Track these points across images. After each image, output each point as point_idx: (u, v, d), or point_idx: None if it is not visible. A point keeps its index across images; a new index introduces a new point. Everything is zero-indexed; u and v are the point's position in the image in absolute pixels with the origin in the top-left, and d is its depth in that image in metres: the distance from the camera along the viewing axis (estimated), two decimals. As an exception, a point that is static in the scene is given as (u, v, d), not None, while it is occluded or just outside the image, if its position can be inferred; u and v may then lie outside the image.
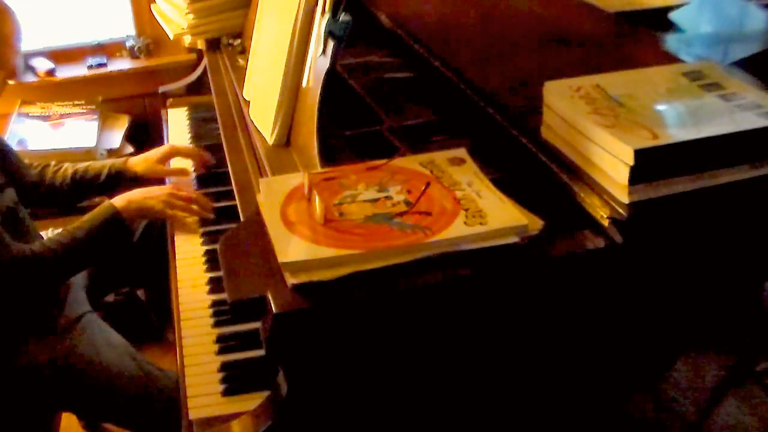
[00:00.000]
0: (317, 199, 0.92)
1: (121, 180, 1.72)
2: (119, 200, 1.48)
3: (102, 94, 2.59)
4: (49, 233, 1.74)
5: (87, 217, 1.47)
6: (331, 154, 1.13)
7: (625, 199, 0.88)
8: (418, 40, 1.42)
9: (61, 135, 2.40)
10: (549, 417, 1.06)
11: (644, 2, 1.66)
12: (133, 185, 1.71)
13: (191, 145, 1.83)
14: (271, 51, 1.38)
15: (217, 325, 1.26)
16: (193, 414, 1.08)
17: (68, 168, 1.72)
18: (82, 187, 1.72)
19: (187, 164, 1.77)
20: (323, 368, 0.89)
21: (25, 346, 1.44)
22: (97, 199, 1.97)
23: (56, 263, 1.41)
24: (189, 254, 1.46)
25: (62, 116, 2.49)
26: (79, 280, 1.63)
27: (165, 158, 1.72)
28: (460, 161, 1.02)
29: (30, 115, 2.48)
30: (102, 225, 1.44)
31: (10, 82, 1.62)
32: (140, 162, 1.71)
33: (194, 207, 1.51)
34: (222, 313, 1.28)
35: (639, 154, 0.85)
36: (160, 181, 1.71)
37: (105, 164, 1.73)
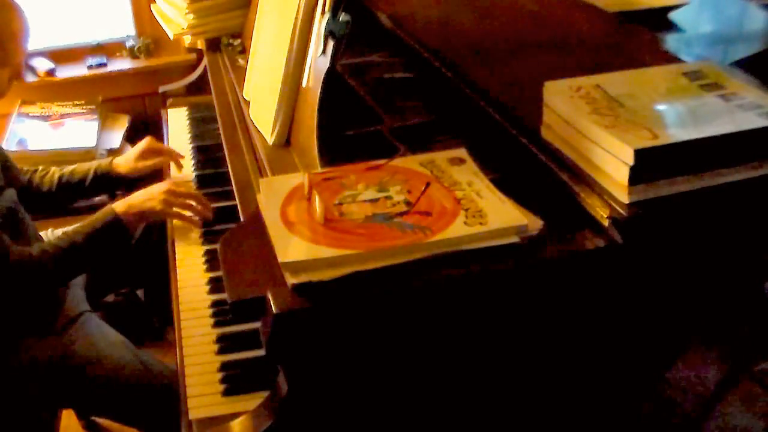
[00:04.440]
0: (317, 199, 0.92)
1: (108, 181, 1.72)
2: (120, 205, 1.46)
3: (102, 94, 2.59)
4: (48, 233, 1.74)
5: (87, 221, 1.46)
6: (331, 154, 1.13)
7: (625, 199, 0.88)
8: (418, 40, 1.42)
9: (61, 135, 2.40)
10: (549, 417, 1.06)
11: (644, 2, 1.66)
12: (127, 185, 1.71)
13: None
14: (271, 51, 1.38)
15: (217, 325, 1.26)
16: (193, 414, 1.08)
17: (55, 172, 1.72)
18: (69, 190, 1.71)
19: (187, 169, 1.77)
20: (323, 368, 0.89)
21: (23, 344, 1.44)
22: (97, 199, 1.99)
23: (54, 267, 1.41)
24: (189, 254, 1.46)
25: (62, 116, 2.49)
26: (79, 279, 1.63)
27: (144, 155, 1.70)
28: (460, 161, 1.02)
29: (30, 115, 2.49)
30: (102, 230, 1.43)
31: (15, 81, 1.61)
32: (123, 163, 1.71)
33: (193, 203, 1.49)
34: (222, 313, 1.28)
35: (639, 154, 0.85)
36: (155, 179, 1.71)
37: (91, 166, 1.72)
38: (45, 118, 2.48)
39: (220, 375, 1.15)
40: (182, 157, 1.75)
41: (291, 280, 0.83)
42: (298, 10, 1.26)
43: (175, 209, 1.47)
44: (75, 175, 1.71)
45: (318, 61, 1.20)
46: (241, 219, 1.26)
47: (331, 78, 1.16)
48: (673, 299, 1.01)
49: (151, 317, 2.13)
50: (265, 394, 0.95)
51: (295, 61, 1.28)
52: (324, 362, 0.88)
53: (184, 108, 2.07)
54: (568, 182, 0.96)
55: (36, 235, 1.63)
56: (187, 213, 1.48)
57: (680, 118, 0.94)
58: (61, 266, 1.42)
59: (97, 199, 1.99)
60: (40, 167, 1.74)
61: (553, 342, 0.97)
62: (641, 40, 1.39)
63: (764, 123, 0.91)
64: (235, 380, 1.13)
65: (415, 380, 0.94)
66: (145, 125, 2.64)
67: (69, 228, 1.71)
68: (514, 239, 0.88)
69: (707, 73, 1.04)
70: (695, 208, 0.92)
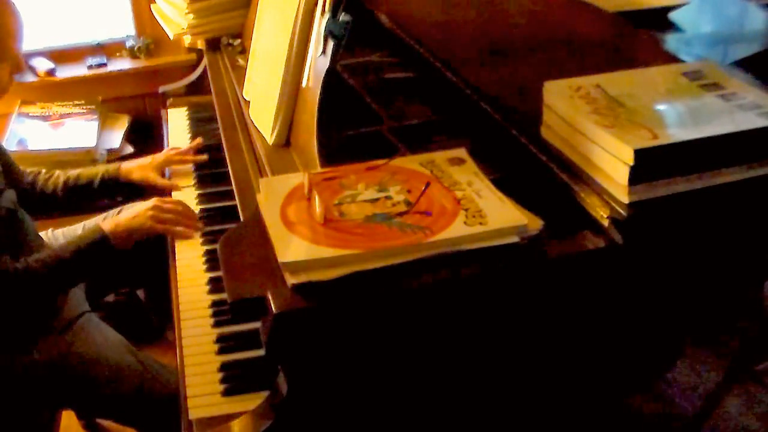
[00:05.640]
0: (317, 199, 0.92)
1: (115, 186, 1.72)
2: (107, 224, 1.46)
3: (102, 94, 2.59)
4: (48, 234, 1.74)
5: (75, 239, 1.46)
6: (331, 154, 1.13)
7: (625, 199, 0.88)
8: (418, 40, 1.42)
9: (61, 135, 2.40)
10: (549, 417, 1.06)
11: (644, 2, 1.66)
12: (132, 191, 1.71)
13: (181, 148, 1.80)
14: (271, 51, 1.38)
15: (217, 325, 1.26)
16: (193, 414, 1.08)
17: (60, 176, 1.72)
18: (75, 194, 1.71)
19: (187, 168, 1.77)
20: (323, 368, 0.89)
21: (23, 345, 1.44)
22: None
23: (37, 283, 1.40)
24: (189, 254, 1.46)
25: (62, 116, 2.49)
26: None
27: (160, 167, 1.72)
28: (460, 161, 1.02)
29: (30, 115, 2.48)
30: (88, 249, 1.43)
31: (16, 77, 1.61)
32: (135, 169, 1.71)
33: (181, 217, 1.50)
34: (222, 313, 1.28)
35: (639, 154, 0.85)
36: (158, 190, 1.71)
37: (98, 171, 1.72)
38: (45, 118, 2.47)
39: (220, 375, 1.15)
40: (204, 158, 1.76)
41: (291, 280, 0.83)
42: (298, 10, 1.26)
43: (162, 225, 1.48)
44: (81, 179, 1.71)
45: (318, 61, 1.20)
46: (241, 219, 1.26)
47: (331, 78, 1.16)
48: (673, 299, 1.01)
49: (151, 317, 2.13)
50: (265, 394, 0.95)
51: (295, 61, 1.28)
52: (324, 362, 0.88)
53: (184, 108, 2.07)
54: (568, 182, 0.96)
55: (36, 236, 1.62)
56: (176, 228, 1.49)
57: (680, 118, 0.94)
58: (44, 282, 1.41)
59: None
60: (44, 170, 1.74)
61: (553, 342, 0.97)
62: (641, 40, 1.39)
63: (764, 123, 0.91)
64: (235, 380, 1.13)
65: (415, 380, 0.94)
66: (145, 125, 2.64)
67: (63, 231, 1.73)
68: (514, 239, 0.88)
69: (707, 73, 1.04)
70: (695, 208, 0.92)
